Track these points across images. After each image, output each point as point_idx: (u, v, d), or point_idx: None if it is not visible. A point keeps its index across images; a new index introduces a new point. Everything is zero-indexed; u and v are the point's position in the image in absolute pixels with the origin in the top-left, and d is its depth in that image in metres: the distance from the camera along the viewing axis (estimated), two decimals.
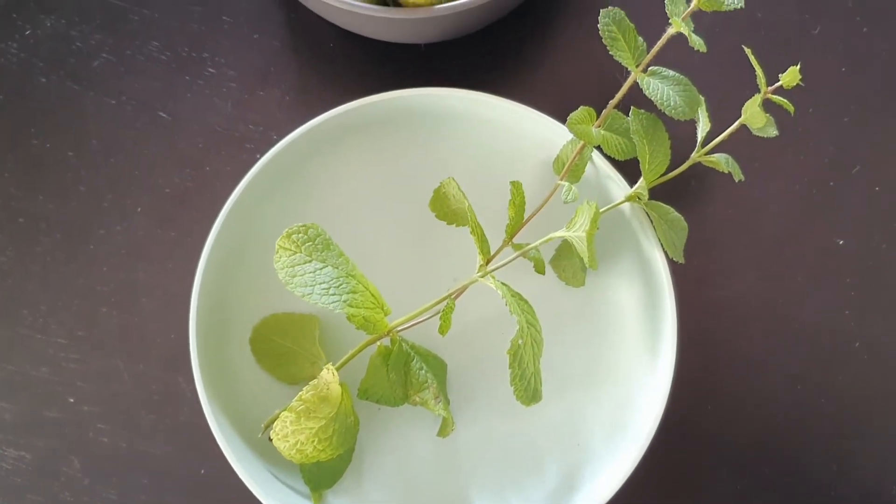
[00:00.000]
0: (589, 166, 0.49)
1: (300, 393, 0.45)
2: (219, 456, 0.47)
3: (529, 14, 0.55)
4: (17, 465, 0.52)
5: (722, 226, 0.54)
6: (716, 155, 0.46)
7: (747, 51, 0.45)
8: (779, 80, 0.45)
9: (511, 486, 0.50)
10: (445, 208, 0.50)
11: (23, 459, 0.52)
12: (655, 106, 0.44)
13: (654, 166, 0.46)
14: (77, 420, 0.53)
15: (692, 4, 0.44)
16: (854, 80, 0.55)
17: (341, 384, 0.46)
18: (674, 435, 0.51)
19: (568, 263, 0.51)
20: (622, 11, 0.45)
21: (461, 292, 0.47)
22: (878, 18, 0.55)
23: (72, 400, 0.53)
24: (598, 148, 0.47)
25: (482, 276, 0.47)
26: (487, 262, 0.47)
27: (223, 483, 0.51)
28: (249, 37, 0.55)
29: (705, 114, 0.47)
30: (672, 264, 0.48)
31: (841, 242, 0.54)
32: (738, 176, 0.46)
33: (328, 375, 0.45)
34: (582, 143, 0.47)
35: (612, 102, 0.46)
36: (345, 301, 0.44)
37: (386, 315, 0.47)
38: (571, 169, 0.48)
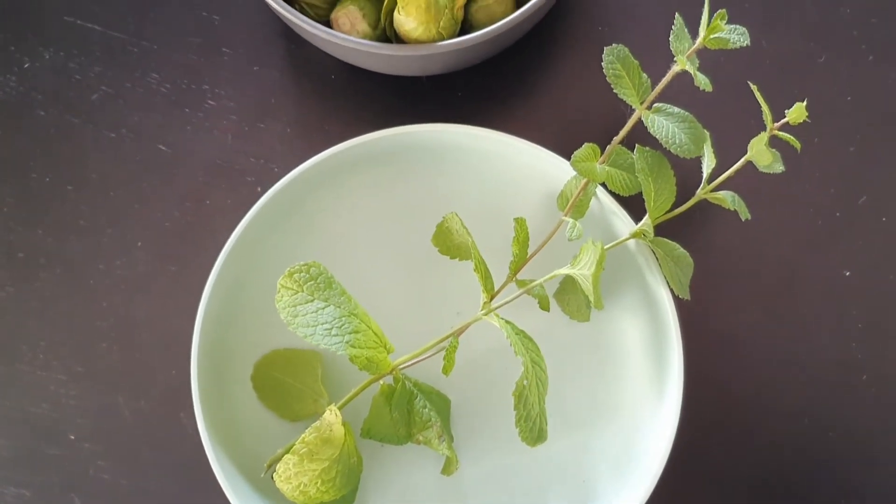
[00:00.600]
0: (593, 200, 0.49)
1: (303, 435, 0.44)
2: (220, 494, 0.47)
3: (531, 45, 0.55)
4: (16, 502, 0.52)
5: (727, 256, 0.53)
6: (722, 192, 0.46)
7: (753, 87, 0.45)
8: (785, 116, 0.45)
9: None
10: (448, 243, 0.50)
11: (22, 497, 0.52)
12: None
13: (660, 203, 0.45)
14: (77, 457, 0.52)
15: (697, 42, 0.43)
16: (860, 109, 0.54)
17: (344, 424, 0.45)
18: (679, 469, 0.50)
19: (572, 297, 0.50)
20: (626, 49, 0.44)
21: (464, 330, 0.47)
22: (883, 47, 0.55)
23: (72, 437, 0.52)
24: (603, 183, 0.47)
25: (486, 314, 0.46)
26: (491, 299, 0.47)
27: None
28: (249, 69, 0.55)
29: (710, 149, 0.46)
30: (678, 297, 0.47)
31: (847, 274, 0.53)
32: (745, 215, 0.45)
33: (331, 417, 0.45)
34: (586, 179, 0.46)
35: (617, 139, 0.46)
36: (347, 342, 0.44)
37: (389, 353, 0.46)
38: (575, 205, 0.47)
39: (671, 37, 0.44)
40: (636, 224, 0.47)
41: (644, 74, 0.45)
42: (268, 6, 0.47)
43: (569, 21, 0.55)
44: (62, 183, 0.54)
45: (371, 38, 0.48)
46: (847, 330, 0.53)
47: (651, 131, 0.44)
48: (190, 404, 0.47)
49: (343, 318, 0.44)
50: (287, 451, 0.45)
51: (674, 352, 0.47)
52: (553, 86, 0.55)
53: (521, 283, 0.48)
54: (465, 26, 0.49)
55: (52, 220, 0.54)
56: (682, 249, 0.47)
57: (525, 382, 0.43)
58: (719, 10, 0.43)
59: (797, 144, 0.44)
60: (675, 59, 0.43)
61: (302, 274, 0.45)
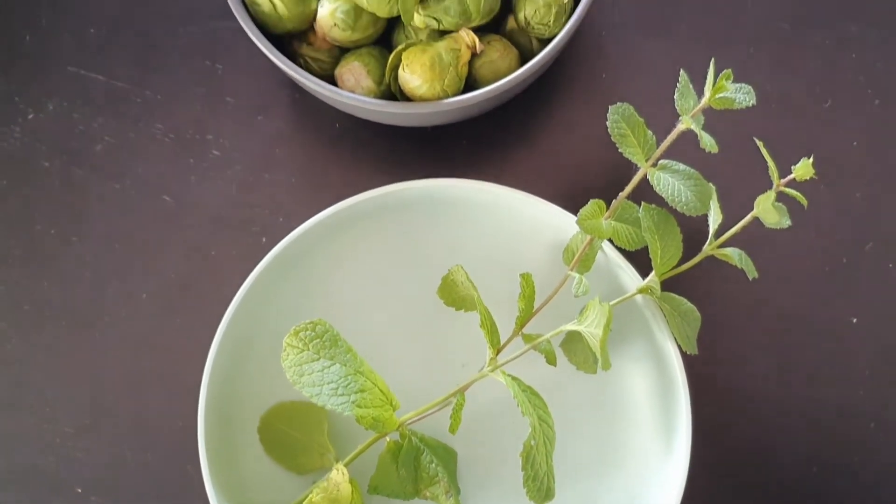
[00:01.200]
0: (599, 253, 0.48)
1: (310, 496, 0.44)
2: None
3: (534, 93, 0.54)
4: None
5: (733, 305, 0.53)
6: (729, 249, 0.45)
7: (759, 144, 0.44)
8: (791, 171, 0.45)
9: None
10: (454, 295, 0.50)
11: None
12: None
13: (666, 260, 0.45)
14: None
15: (702, 101, 0.43)
16: (866, 155, 0.54)
17: (351, 480, 0.45)
18: None
19: (579, 348, 0.50)
20: (630, 107, 0.44)
21: (470, 385, 0.47)
22: (889, 92, 0.55)
23: (79, 490, 0.52)
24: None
25: (492, 371, 0.46)
26: (497, 353, 0.47)
27: None
28: (254, 118, 0.55)
29: (716, 204, 0.46)
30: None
31: (855, 320, 0.53)
32: (752, 274, 0.45)
33: (338, 476, 0.45)
34: None
35: (622, 195, 0.46)
36: (353, 402, 0.44)
37: (395, 410, 0.46)
38: (581, 259, 0.47)
39: (676, 95, 0.44)
40: (642, 278, 0.47)
41: (649, 132, 0.45)
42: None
43: (571, 68, 0.55)
44: (67, 234, 0.54)
45: (375, 94, 0.48)
46: (854, 377, 0.53)
47: (657, 189, 0.44)
48: (196, 456, 0.47)
49: (349, 377, 0.44)
50: None
51: (681, 405, 0.47)
52: (557, 134, 0.55)
53: (527, 338, 0.47)
54: (470, 80, 0.49)
55: (57, 271, 0.54)
56: (689, 304, 0.47)
57: (532, 442, 0.43)
58: (724, 70, 0.43)
59: (804, 201, 0.44)
60: (680, 117, 0.43)
61: (307, 332, 0.45)
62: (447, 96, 0.47)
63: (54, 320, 0.53)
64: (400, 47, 0.47)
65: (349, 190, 0.54)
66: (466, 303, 0.50)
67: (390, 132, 0.54)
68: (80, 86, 0.55)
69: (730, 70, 0.42)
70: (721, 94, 0.42)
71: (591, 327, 0.44)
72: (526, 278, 0.46)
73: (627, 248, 0.46)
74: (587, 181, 0.54)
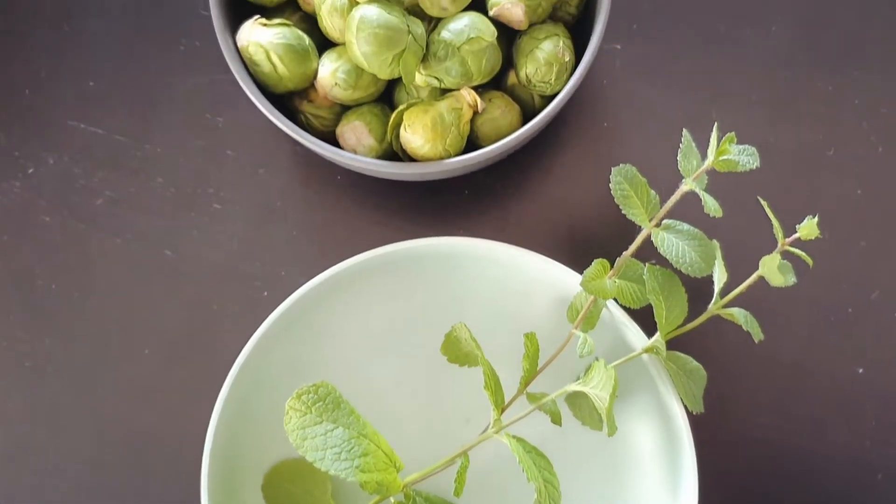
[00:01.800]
0: (604, 310, 0.48)
1: None
2: None
3: (537, 143, 0.54)
4: None
5: (738, 357, 0.53)
6: (734, 310, 0.45)
7: (763, 203, 0.44)
8: (796, 230, 0.44)
9: None
10: (457, 352, 0.49)
11: None
12: None
13: (671, 321, 0.45)
14: None
15: (705, 164, 0.43)
16: (870, 202, 0.54)
17: None
18: None
19: (584, 403, 0.50)
20: (633, 168, 0.44)
21: (474, 446, 0.46)
22: (893, 138, 0.54)
23: None
24: None
25: (496, 432, 0.46)
26: (501, 413, 0.46)
27: None
28: (255, 171, 0.55)
29: (721, 262, 0.46)
30: None
31: (861, 371, 0.53)
32: (758, 336, 0.45)
33: None
34: None
35: (626, 254, 0.45)
36: (357, 467, 0.43)
37: (399, 471, 0.46)
38: (586, 317, 0.47)
39: (679, 156, 0.43)
40: (647, 333, 0.47)
41: (652, 192, 0.44)
42: None
43: (572, 116, 0.55)
44: (68, 290, 0.54)
45: (377, 152, 0.48)
46: (861, 428, 0.52)
47: (660, 251, 0.44)
48: None
49: (352, 441, 0.44)
50: None
51: (688, 462, 0.47)
52: (558, 183, 0.54)
53: (531, 397, 0.47)
54: (471, 137, 0.49)
55: (58, 327, 0.54)
56: (694, 363, 0.46)
57: None
58: (728, 134, 0.42)
59: (809, 261, 0.44)
60: (683, 178, 0.43)
61: (310, 395, 0.44)
62: (449, 156, 0.47)
63: (56, 377, 0.53)
64: (402, 107, 0.46)
65: (351, 242, 0.54)
66: (470, 359, 0.49)
67: (392, 184, 0.54)
68: (81, 140, 0.55)
69: (733, 133, 0.42)
70: (724, 157, 0.42)
71: (596, 389, 0.44)
72: (530, 338, 0.46)
73: (632, 307, 0.46)
74: (590, 230, 0.53)
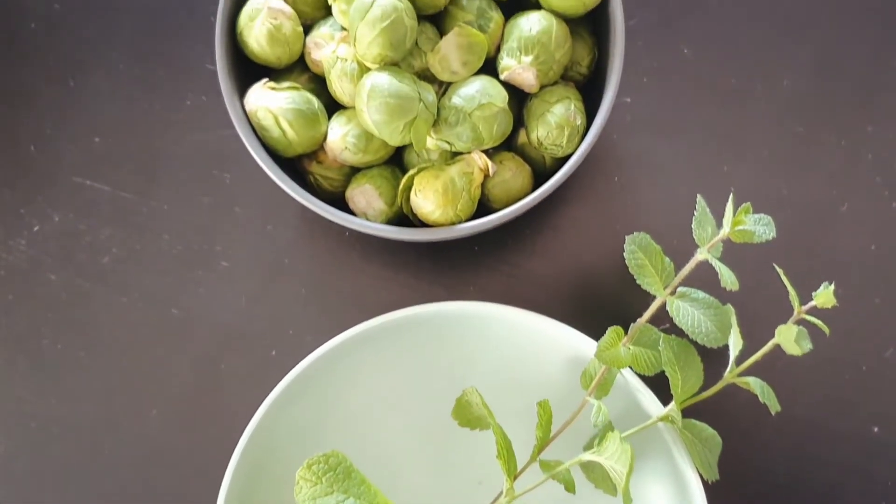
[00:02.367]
0: (618, 376, 0.48)
1: None
2: None
3: (549, 203, 0.54)
4: None
5: (753, 417, 0.52)
6: (750, 379, 0.45)
7: (779, 270, 0.44)
8: (812, 298, 0.44)
9: None
10: (468, 416, 0.49)
11: None
12: None
13: (686, 389, 0.44)
14: None
15: (721, 233, 0.42)
16: (884, 258, 0.53)
17: None
18: None
19: (598, 467, 0.49)
20: (647, 236, 0.43)
21: None
22: None
23: None
24: None
25: (509, 502, 0.45)
26: (514, 480, 0.46)
27: None
28: (263, 228, 0.54)
29: (737, 330, 0.45)
30: None
31: (876, 430, 0.52)
32: (776, 408, 0.44)
33: None
34: None
35: (640, 321, 0.45)
36: None
37: None
38: (600, 384, 0.46)
39: (693, 223, 0.43)
40: (661, 402, 0.46)
41: (667, 259, 0.44)
42: None
43: (583, 171, 0.54)
44: (74, 349, 0.53)
45: (387, 215, 0.48)
46: (877, 489, 0.52)
47: (675, 320, 0.43)
48: None
49: None
50: None
51: None
52: (568, 240, 0.54)
53: (544, 465, 0.47)
54: (482, 199, 0.48)
55: (64, 388, 0.53)
56: (710, 430, 0.46)
57: None
58: (744, 205, 0.42)
59: (826, 330, 0.43)
60: (697, 246, 0.42)
61: (320, 465, 0.44)
62: (460, 220, 0.46)
63: (62, 438, 0.53)
64: (412, 171, 0.46)
65: (359, 299, 0.53)
66: (482, 423, 0.49)
67: (400, 243, 0.53)
68: (86, 197, 0.54)
69: (749, 204, 0.42)
70: (740, 227, 0.42)
71: (611, 460, 0.43)
72: (543, 406, 0.45)
73: (647, 374, 0.45)
74: (601, 286, 0.53)
